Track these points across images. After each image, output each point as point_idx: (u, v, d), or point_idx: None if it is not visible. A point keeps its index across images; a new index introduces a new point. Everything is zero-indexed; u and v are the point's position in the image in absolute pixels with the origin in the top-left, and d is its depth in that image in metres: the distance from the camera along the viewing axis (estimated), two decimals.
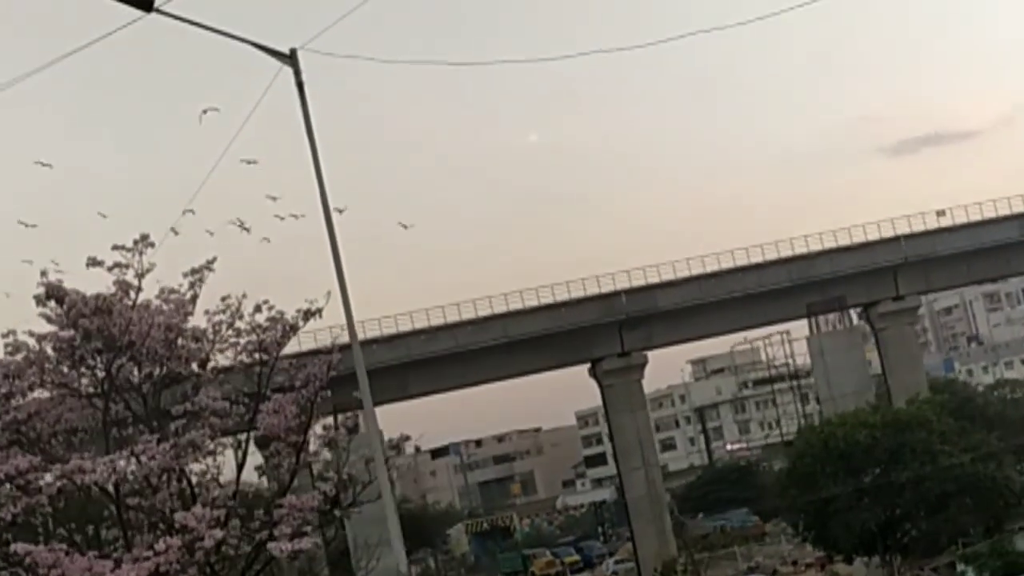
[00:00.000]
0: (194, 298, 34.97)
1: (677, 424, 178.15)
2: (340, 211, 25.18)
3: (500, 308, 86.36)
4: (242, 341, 33.29)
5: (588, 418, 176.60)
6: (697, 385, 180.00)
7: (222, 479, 33.08)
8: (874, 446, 67.40)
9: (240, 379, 33.79)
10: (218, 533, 30.10)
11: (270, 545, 29.84)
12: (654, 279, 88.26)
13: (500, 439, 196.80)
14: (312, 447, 34.61)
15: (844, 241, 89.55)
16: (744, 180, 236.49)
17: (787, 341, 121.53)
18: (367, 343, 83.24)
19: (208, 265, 34.06)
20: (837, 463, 67.90)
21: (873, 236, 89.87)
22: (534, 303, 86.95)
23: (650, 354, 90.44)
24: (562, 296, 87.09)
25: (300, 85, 21.38)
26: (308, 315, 34.26)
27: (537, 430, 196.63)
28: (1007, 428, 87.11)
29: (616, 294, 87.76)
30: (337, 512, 32.62)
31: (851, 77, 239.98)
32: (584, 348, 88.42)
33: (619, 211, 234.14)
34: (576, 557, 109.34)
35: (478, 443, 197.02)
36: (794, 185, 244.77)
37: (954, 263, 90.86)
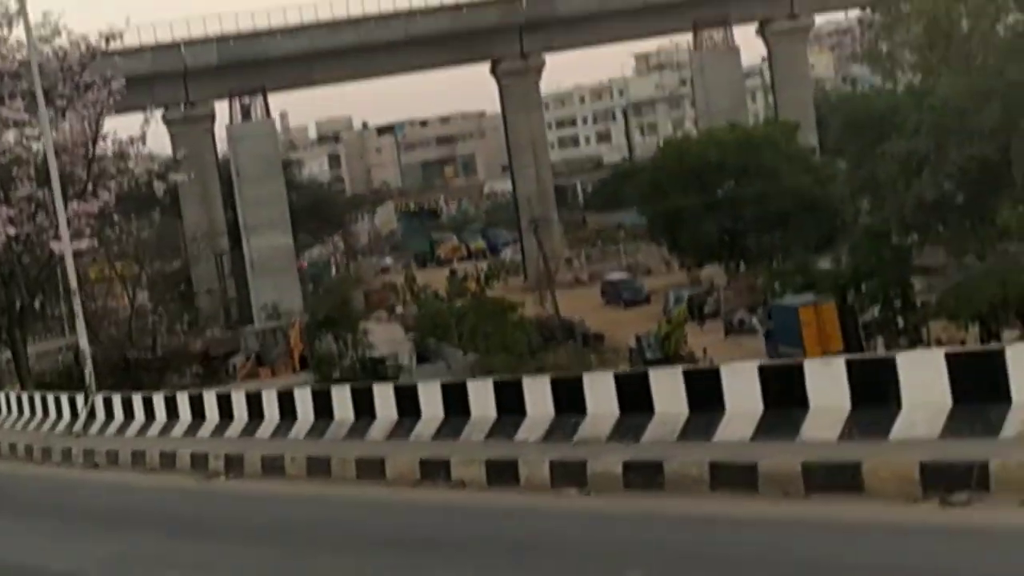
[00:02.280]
0: (20, 10, 38.66)
1: (614, 117, 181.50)
2: None
3: (403, 5, 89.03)
4: (48, 65, 37.04)
5: None
6: (637, 80, 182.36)
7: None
8: (724, 164, 72.09)
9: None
10: (11, 230, 34.84)
11: (52, 244, 34.51)
12: None
13: (445, 120, 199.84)
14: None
15: None
16: None
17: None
18: (271, 33, 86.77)
19: None
20: (688, 177, 72.72)
21: None
22: (436, 2, 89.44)
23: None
24: None
25: None
26: (108, 39, 38.07)
27: (482, 114, 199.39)
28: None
29: None
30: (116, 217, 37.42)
31: None
32: (485, 48, 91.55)
33: None
34: (482, 244, 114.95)
35: (423, 123, 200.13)
36: None
37: None
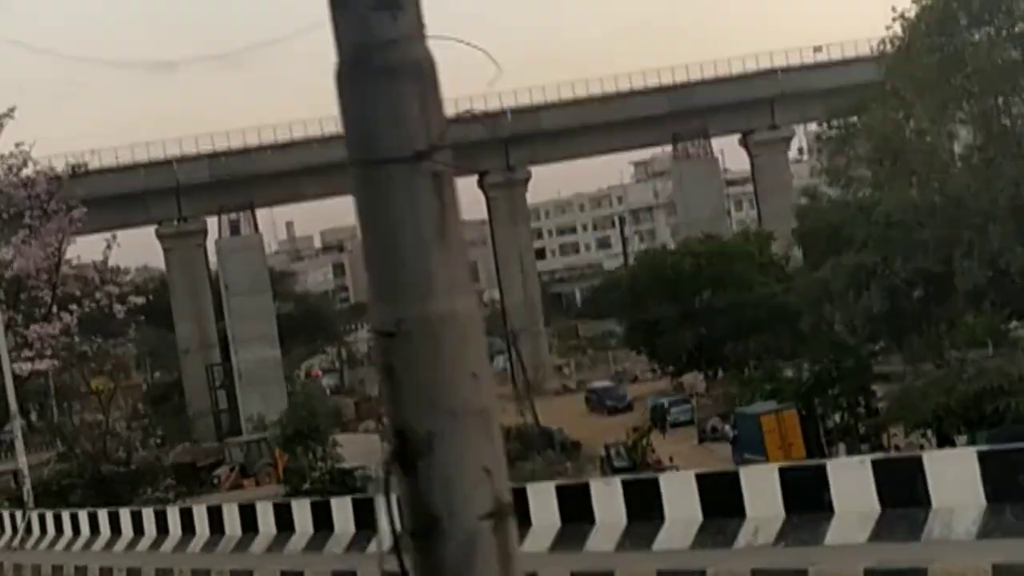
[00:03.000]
0: None
1: (614, 224, 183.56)
2: None
3: None
4: (16, 194, 38.97)
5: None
6: (636, 187, 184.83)
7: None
8: (698, 274, 73.76)
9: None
10: None
11: (14, 365, 36.10)
12: (539, 100, 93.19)
13: None
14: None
15: (724, 72, 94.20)
16: None
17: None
18: (261, 149, 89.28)
19: (8, 113, 39.69)
20: (664, 288, 74.38)
21: (752, 68, 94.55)
22: None
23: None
24: (449, 112, 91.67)
25: None
26: (76, 169, 40.08)
27: (483, 222, 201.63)
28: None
29: (502, 112, 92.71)
30: (78, 338, 39.09)
31: None
32: (471, 162, 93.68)
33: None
34: None
35: None
36: None
37: (827, 97, 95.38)
